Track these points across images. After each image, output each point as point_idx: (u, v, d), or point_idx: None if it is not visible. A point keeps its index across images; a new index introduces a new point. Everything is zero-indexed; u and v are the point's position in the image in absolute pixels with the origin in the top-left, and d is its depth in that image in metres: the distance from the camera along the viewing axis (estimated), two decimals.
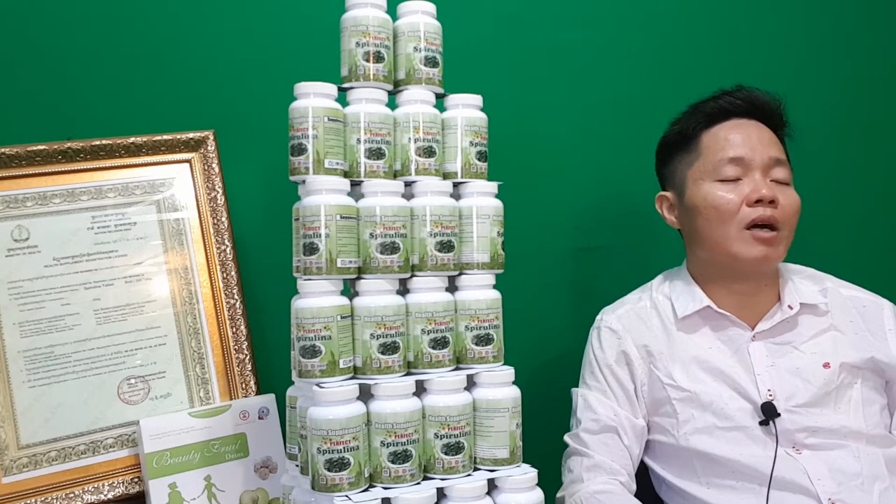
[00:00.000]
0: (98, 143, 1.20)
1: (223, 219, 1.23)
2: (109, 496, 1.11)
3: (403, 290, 0.96)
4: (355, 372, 0.92)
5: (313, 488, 0.88)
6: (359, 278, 0.94)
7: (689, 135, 1.20)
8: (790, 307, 1.15)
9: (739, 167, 1.14)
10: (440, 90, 1.02)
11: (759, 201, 1.11)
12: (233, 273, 1.22)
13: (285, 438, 1.02)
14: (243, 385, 1.19)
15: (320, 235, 0.90)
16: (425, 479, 0.92)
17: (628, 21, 1.54)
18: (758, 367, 1.13)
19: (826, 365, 1.12)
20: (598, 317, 1.25)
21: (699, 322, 1.18)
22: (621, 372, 1.17)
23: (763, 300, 1.17)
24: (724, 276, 1.17)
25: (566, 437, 1.18)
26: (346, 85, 0.98)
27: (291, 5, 1.38)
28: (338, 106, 0.95)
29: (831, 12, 1.64)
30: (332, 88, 0.95)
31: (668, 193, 1.24)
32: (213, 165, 1.25)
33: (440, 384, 0.93)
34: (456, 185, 1.00)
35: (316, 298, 0.90)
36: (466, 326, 0.96)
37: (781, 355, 1.14)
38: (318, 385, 0.89)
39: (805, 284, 1.20)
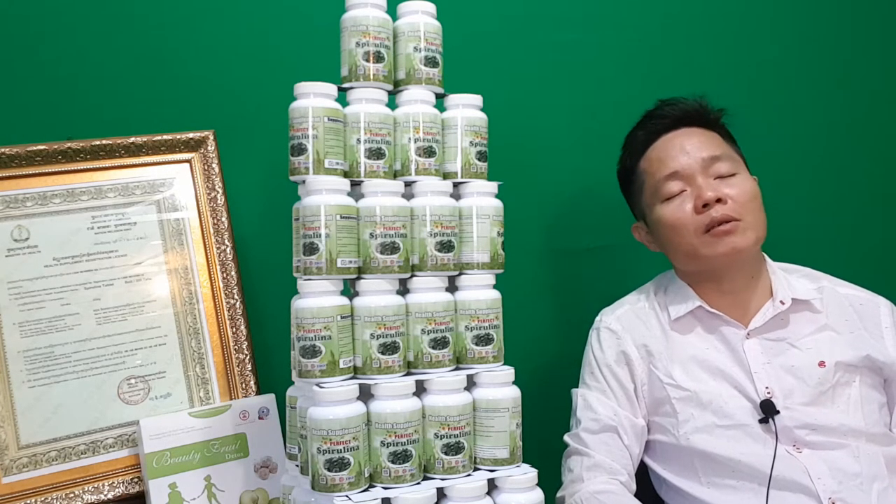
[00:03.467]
0: (98, 143, 1.20)
1: (223, 219, 1.23)
2: (109, 496, 1.11)
3: (403, 290, 0.96)
4: (355, 372, 0.92)
5: (313, 488, 0.88)
6: (359, 278, 0.94)
7: (630, 167, 1.24)
8: (782, 302, 1.16)
9: (679, 180, 1.16)
10: (440, 90, 1.02)
11: (705, 205, 1.12)
12: (233, 273, 1.22)
13: (285, 438, 1.02)
14: (243, 385, 1.19)
15: (320, 235, 0.90)
16: (425, 479, 0.92)
17: (628, 21, 1.54)
18: (754, 364, 1.13)
19: (821, 364, 1.12)
20: (598, 317, 1.25)
21: (693, 322, 1.18)
22: (621, 372, 1.18)
23: (755, 298, 1.18)
24: (711, 278, 1.18)
25: (566, 437, 1.18)
26: (346, 85, 0.98)
27: (291, 5, 1.38)
28: (338, 106, 0.95)
29: (831, 11, 1.64)
30: (332, 88, 0.95)
31: (639, 224, 1.27)
32: (213, 165, 1.25)
33: (440, 384, 0.93)
34: (456, 185, 1.00)
35: (316, 298, 0.90)
36: (466, 326, 0.96)
37: (777, 353, 1.14)
38: (318, 385, 0.89)
39: (800, 282, 1.20)
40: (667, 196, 1.16)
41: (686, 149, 1.17)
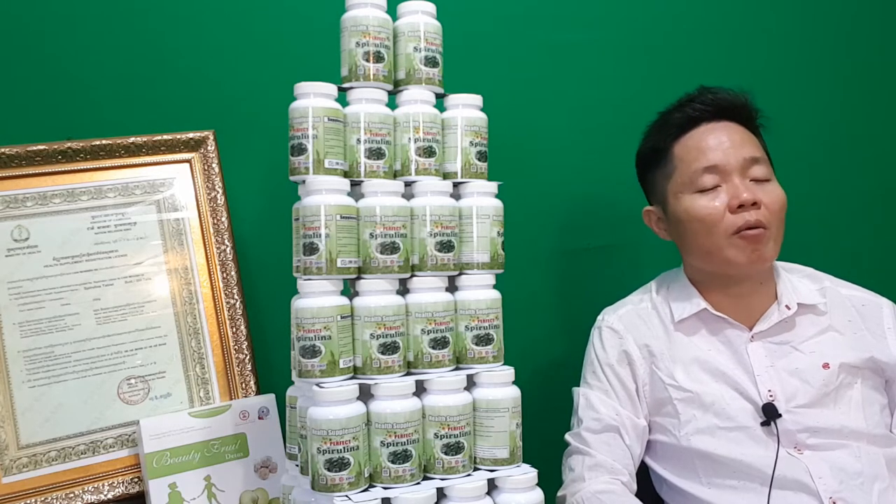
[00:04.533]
0: (98, 143, 1.20)
1: (223, 219, 1.23)
2: (109, 496, 1.11)
3: (403, 290, 0.96)
4: (355, 372, 0.92)
5: (313, 488, 0.88)
6: (359, 278, 0.94)
7: (662, 148, 1.19)
8: (788, 307, 1.15)
9: (716, 175, 1.13)
10: (440, 90, 1.02)
11: (741, 206, 1.10)
12: (233, 273, 1.22)
13: (285, 438, 1.02)
14: (243, 385, 1.19)
15: (320, 235, 0.90)
16: (425, 479, 0.92)
17: (628, 21, 1.54)
18: (757, 367, 1.13)
19: (825, 365, 1.12)
20: (600, 316, 1.25)
21: (697, 324, 1.18)
22: (623, 371, 1.17)
23: (760, 300, 1.17)
24: (719, 280, 1.17)
25: (567, 436, 1.18)
26: (346, 85, 0.98)
27: (291, 5, 1.38)
28: (338, 106, 0.95)
29: (831, 11, 1.65)
30: (332, 88, 0.95)
31: (653, 208, 1.24)
32: (213, 165, 1.25)
33: (440, 384, 0.93)
34: (456, 185, 1.00)
35: (316, 298, 0.90)
36: (466, 326, 0.96)
37: (781, 356, 1.14)
38: (318, 385, 0.89)
39: (803, 283, 1.20)
40: (700, 188, 1.13)
41: (729, 144, 1.13)
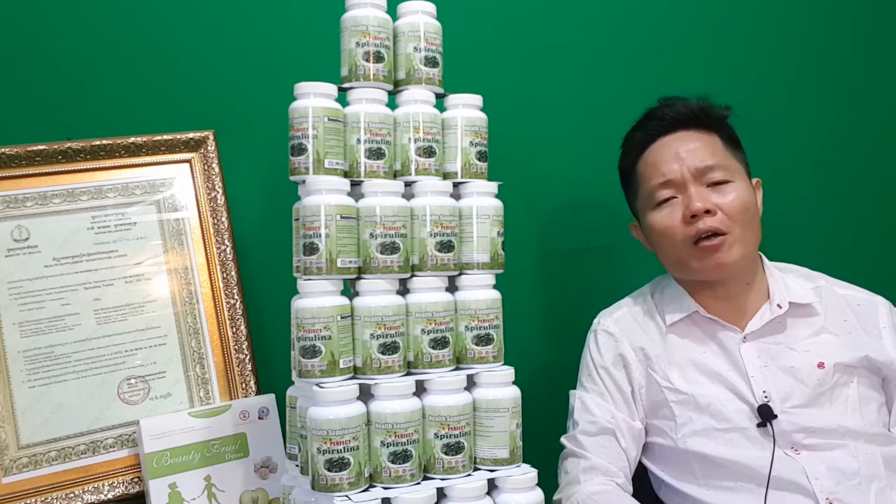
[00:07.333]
0: (98, 143, 1.20)
1: (223, 219, 1.23)
2: (109, 496, 1.11)
3: (403, 290, 0.96)
4: (355, 372, 0.93)
5: (313, 488, 0.88)
6: (359, 278, 0.94)
7: (629, 169, 1.23)
8: (779, 306, 1.15)
9: (671, 188, 1.15)
10: (440, 90, 1.02)
11: (693, 216, 1.11)
12: (233, 273, 1.22)
13: (285, 438, 1.02)
14: (243, 385, 1.19)
15: (320, 235, 0.90)
16: (425, 479, 0.92)
17: (628, 21, 1.54)
18: (751, 368, 1.13)
19: (820, 365, 1.12)
20: (596, 320, 1.25)
21: (690, 327, 1.18)
22: (618, 374, 1.18)
23: (751, 301, 1.17)
24: (704, 284, 1.18)
25: (563, 440, 1.18)
26: (346, 85, 0.98)
27: (291, 5, 1.38)
28: (338, 106, 0.95)
29: (831, 11, 1.64)
30: (332, 88, 0.95)
31: (636, 223, 1.27)
32: (213, 165, 1.25)
33: (440, 384, 0.93)
34: (456, 185, 1.00)
35: (316, 298, 0.91)
36: (466, 326, 0.96)
37: (774, 356, 1.14)
38: (318, 385, 0.89)
39: (797, 283, 1.20)
40: (658, 202, 1.16)
41: (681, 155, 1.15)
